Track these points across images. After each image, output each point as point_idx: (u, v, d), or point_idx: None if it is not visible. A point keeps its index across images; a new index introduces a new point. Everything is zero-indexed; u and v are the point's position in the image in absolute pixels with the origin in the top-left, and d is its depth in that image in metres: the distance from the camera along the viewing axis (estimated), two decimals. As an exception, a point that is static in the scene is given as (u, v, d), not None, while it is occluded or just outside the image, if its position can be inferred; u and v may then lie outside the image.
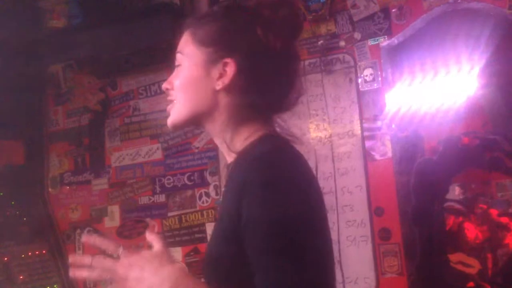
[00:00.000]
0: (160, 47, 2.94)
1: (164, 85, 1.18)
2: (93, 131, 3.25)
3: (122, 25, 2.80)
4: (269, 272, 0.94)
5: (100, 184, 3.22)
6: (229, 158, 1.14)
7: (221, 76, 1.10)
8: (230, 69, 1.09)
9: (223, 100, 1.12)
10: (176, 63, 1.17)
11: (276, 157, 1.04)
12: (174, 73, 1.17)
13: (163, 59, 2.99)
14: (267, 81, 1.12)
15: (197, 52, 1.13)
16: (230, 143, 1.11)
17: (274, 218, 0.96)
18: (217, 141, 1.17)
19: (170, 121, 1.17)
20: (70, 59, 3.22)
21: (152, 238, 1.14)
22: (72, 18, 2.99)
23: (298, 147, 1.12)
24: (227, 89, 1.10)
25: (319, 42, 2.70)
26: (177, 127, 1.18)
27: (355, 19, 2.67)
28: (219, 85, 1.10)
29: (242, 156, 1.07)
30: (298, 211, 0.97)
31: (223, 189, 1.14)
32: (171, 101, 1.16)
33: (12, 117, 3.05)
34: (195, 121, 1.16)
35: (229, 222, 1.02)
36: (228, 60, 1.10)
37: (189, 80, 1.13)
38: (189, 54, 1.14)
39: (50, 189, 3.33)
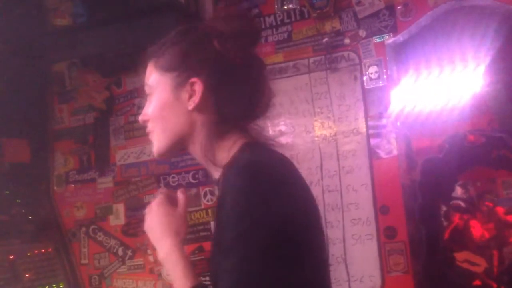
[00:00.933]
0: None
1: (141, 118, 1.21)
2: (98, 129, 3.26)
3: (127, 24, 2.80)
4: (229, 273, 0.94)
5: (105, 182, 3.22)
6: (217, 174, 1.15)
7: (190, 96, 1.13)
8: (198, 87, 1.12)
9: (198, 119, 1.14)
10: (147, 94, 1.20)
11: (253, 164, 1.04)
12: (146, 105, 1.20)
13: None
14: (235, 92, 1.14)
15: (162, 78, 1.16)
16: (214, 159, 1.13)
17: (243, 220, 0.96)
18: (202, 161, 1.17)
19: (154, 151, 1.20)
20: (75, 58, 3.23)
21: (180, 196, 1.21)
22: (77, 17, 2.98)
23: (280, 149, 1.14)
24: (199, 107, 1.13)
25: (324, 40, 2.69)
26: (163, 155, 1.21)
27: (360, 16, 2.66)
28: (190, 105, 1.13)
29: (226, 169, 1.08)
30: (269, 216, 0.96)
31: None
32: (150, 133, 1.20)
33: (17, 115, 3.05)
34: (177, 146, 1.18)
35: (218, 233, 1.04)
36: (194, 79, 1.12)
37: (161, 107, 1.16)
38: (155, 83, 1.17)
39: (55, 188, 3.34)
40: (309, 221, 1.06)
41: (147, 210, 1.19)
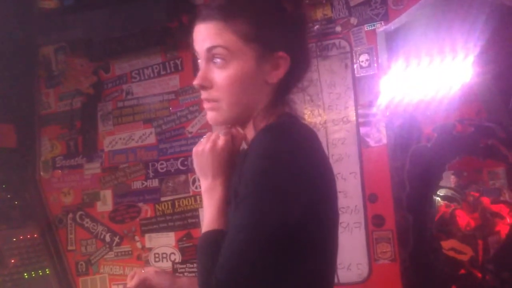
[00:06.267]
0: (154, 29, 2.91)
1: (199, 82, 1.10)
2: (86, 114, 3.22)
3: (116, 7, 2.76)
4: (236, 228, 0.96)
5: (93, 168, 3.20)
6: (251, 136, 1.14)
7: (272, 69, 1.09)
8: (284, 62, 1.09)
9: (267, 91, 1.11)
10: (217, 59, 1.08)
11: (287, 126, 1.05)
12: (213, 70, 1.10)
13: (157, 42, 2.96)
14: (306, 67, 1.14)
15: (246, 49, 1.07)
16: (257, 126, 1.12)
17: (258, 184, 0.96)
18: (245, 127, 1.15)
19: (218, 120, 1.13)
20: (62, 41, 3.18)
21: None
22: (64, -1, 2.94)
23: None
24: (278, 82, 1.10)
25: (315, 27, 2.67)
26: (222, 124, 1.15)
27: (351, 4, 2.65)
28: (274, 79, 1.09)
29: (260, 131, 1.07)
30: (284, 180, 0.97)
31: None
32: (210, 100, 1.11)
33: (3, 100, 3.01)
34: (243, 118, 1.14)
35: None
36: (282, 54, 1.08)
37: (243, 78, 1.08)
38: (238, 52, 1.07)
39: (42, 173, 3.31)
40: (327, 201, 1.08)
41: (210, 139, 1.14)
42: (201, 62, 1.12)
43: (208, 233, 1.06)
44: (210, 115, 1.13)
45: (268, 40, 1.08)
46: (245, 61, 1.07)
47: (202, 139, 1.16)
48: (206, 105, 1.13)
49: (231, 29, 1.07)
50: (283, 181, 0.96)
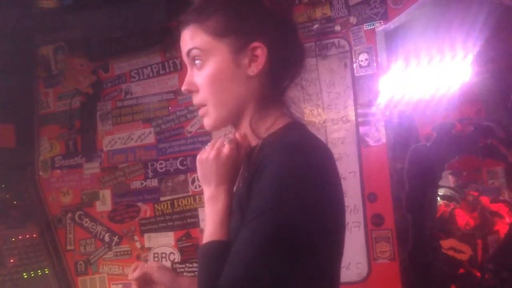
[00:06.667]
0: (154, 29, 2.91)
1: (186, 88, 1.12)
2: (85, 114, 3.21)
3: (115, 7, 2.76)
4: (245, 241, 0.95)
5: (92, 168, 3.19)
6: (252, 142, 1.13)
7: (251, 61, 1.07)
8: (261, 52, 1.07)
9: (254, 85, 1.09)
10: (196, 61, 1.10)
11: (305, 146, 1.03)
12: (191, 74, 1.12)
13: (156, 41, 2.96)
14: (287, 55, 1.11)
15: (218, 44, 1.07)
16: (255, 129, 1.10)
17: (277, 196, 0.95)
18: (241, 129, 1.14)
19: (209, 124, 1.12)
20: (61, 41, 3.18)
21: None
22: (64, -1, 2.93)
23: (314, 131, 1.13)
24: (259, 73, 1.08)
25: (314, 26, 2.67)
26: (218, 128, 1.15)
27: (351, 3, 2.64)
28: (253, 71, 1.08)
29: (268, 143, 1.06)
30: (302, 207, 0.96)
31: (244, 173, 1.14)
32: (201, 105, 1.12)
33: (2, 99, 3.00)
34: (235, 116, 1.12)
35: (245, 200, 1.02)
36: (256, 44, 1.07)
37: (220, 75, 1.08)
38: (210, 50, 1.08)
39: (41, 173, 3.30)
40: (336, 218, 1.06)
41: (214, 147, 1.12)
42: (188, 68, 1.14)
43: (212, 243, 1.05)
44: (204, 122, 1.14)
45: (241, 32, 1.07)
46: (220, 57, 1.07)
47: (206, 147, 1.14)
48: (199, 113, 1.13)
49: (203, 29, 1.08)
50: (298, 203, 0.96)
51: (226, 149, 1.11)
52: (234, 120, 1.13)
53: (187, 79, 1.12)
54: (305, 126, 1.13)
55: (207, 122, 1.13)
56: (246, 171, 1.12)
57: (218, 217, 1.07)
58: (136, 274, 1.23)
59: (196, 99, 1.12)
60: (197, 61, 1.10)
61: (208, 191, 1.11)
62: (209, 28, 1.08)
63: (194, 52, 1.09)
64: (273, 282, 0.93)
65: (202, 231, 2.89)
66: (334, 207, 1.04)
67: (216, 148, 1.11)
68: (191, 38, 1.09)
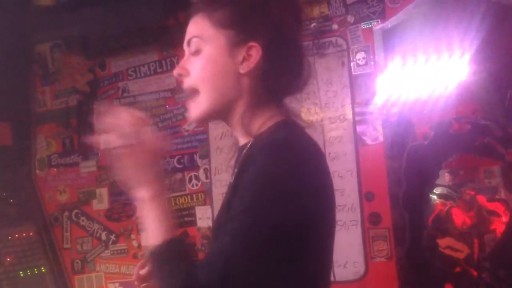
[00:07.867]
0: (151, 27, 2.90)
1: (177, 71, 1.13)
2: (82, 112, 3.21)
3: (112, 4, 2.75)
4: (227, 236, 0.95)
5: (89, 166, 3.19)
6: (243, 140, 1.14)
7: (244, 59, 1.09)
8: (256, 52, 1.08)
9: (245, 84, 1.10)
10: (194, 49, 1.11)
11: (290, 143, 1.03)
12: (186, 59, 1.13)
13: (153, 39, 2.96)
14: (285, 64, 1.11)
15: (218, 34, 1.10)
16: (248, 127, 1.10)
17: (260, 194, 0.96)
18: (234, 125, 1.15)
19: (195, 114, 1.12)
20: (58, 39, 3.17)
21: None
22: (60, -4, 2.93)
23: (309, 130, 1.13)
24: (250, 73, 1.09)
25: (312, 25, 2.67)
26: (202, 120, 1.16)
27: (348, 2, 2.65)
28: (244, 69, 1.09)
29: (258, 140, 1.06)
30: (285, 200, 0.96)
31: (235, 170, 1.14)
32: (190, 89, 1.12)
33: (-2, 97, 3.00)
34: (221, 111, 1.12)
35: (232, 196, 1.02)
36: (253, 43, 1.08)
37: (214, 62, 1.09)
38: (210, 38, 1.10)
39: (37, 171, 3.29)
40: (322, 216, 1.07)
41: (123, 150, 1.04)
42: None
43: (171, 241, 1.01)
44: (190, 111, 1.13)
45: (242, 29, 1.09)
46: (216, 47, 1.09)
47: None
48: (188, 102, 1.14)
49: (209, 19, 1.10)
50: (281, 201, 0.96)
51: (135, 146, 1.03)
52: (223, 114, 1.14)
53: (180, 63, 1.14)
54: (296, 125, 1.13)
55: (195, 111, 1.12)
56: (236, 168, 1.12)
57: (156, 220, 1.03)
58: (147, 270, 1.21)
59: (187, 82, 1.13)
60: (193, 48, 1.11)
61: (143, 192, 1.05)
62: (214, 18, 1.10)
63: (194, 40, 1.11)
64: (259, 276, 0.94)
65: (199, 229, 2.89)
66: (318, 205, 1.03)
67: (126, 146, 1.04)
68: (195, 26, 1.12)
